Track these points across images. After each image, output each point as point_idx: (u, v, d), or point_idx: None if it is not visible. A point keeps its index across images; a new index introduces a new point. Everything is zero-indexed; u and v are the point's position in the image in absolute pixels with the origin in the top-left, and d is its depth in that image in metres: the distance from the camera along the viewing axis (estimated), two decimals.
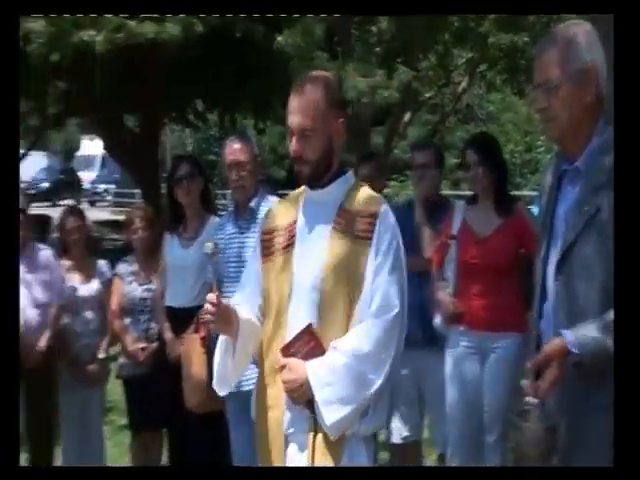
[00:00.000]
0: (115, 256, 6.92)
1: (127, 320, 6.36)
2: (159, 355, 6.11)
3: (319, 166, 3.41)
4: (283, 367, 3.33)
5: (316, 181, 3.46)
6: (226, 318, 3.35)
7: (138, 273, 6.43)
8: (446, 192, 10.55)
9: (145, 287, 6.37)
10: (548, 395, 3.00)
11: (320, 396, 3.28)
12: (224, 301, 3.39)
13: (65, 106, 17.60)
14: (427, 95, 15.48)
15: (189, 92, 16.61)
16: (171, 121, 19.34)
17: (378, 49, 13.88)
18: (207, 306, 3.29)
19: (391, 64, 13.98)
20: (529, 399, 2.99)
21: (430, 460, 6.31)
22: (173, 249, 5.97)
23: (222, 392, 3.56)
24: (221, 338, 3.47)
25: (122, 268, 6.51)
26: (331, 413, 3.27)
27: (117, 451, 7.18)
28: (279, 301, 3.42)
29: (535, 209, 5.26)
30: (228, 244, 5.28)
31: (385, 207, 3.51)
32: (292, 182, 4.00)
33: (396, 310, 3.38)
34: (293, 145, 3.40)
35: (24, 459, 6.30)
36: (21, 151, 24.44)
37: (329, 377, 3.29)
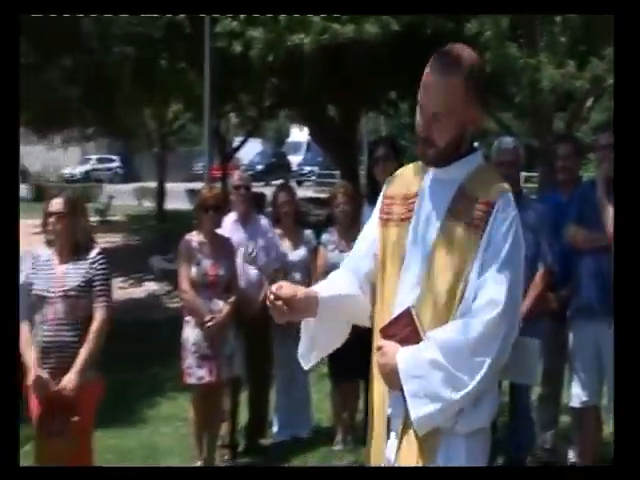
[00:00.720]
0: (319, 228, 7.18)
1: None
2: None
3: (445, 151, 3.00)
4: (379, 348, 3.04)
5: (439, 163, 3.05)
6: (297, 308, 3.03)
7: (339, 242, 6.61)
8: None
9: (345, 254, 6.52)
10: None
11: (407, 387, 2.93)
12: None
13: (277, 100, 18.32)
14: (610, 81, 15.19)
15: (384, 84, 16.53)
16: (367, 110, 19.77)
17: (563, 39, 13.70)
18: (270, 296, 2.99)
19: (580, 53, 13.73)
20: None
21: (607, 427, 5.89)
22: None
23: (305, 365, 3.34)
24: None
25: (325, 238, 6.75)
26: (417, 407, 2.91)
27: (319, 397, 7.39)
28: (388, 273, 3.09)
29: None
30: None
31: (506, 197, 3.01)
32: None
33: (500, 309, 2.90)
34: (422, 125, 2.99)
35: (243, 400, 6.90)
36: (240, 138, 25.57)
37: (418, 370, 2.92)
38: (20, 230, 4.70)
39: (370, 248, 3.20)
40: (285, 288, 3.01)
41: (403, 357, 2.93)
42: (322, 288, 3.18)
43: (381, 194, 3.25)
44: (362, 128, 20.03)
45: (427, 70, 2.98)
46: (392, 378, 2.97)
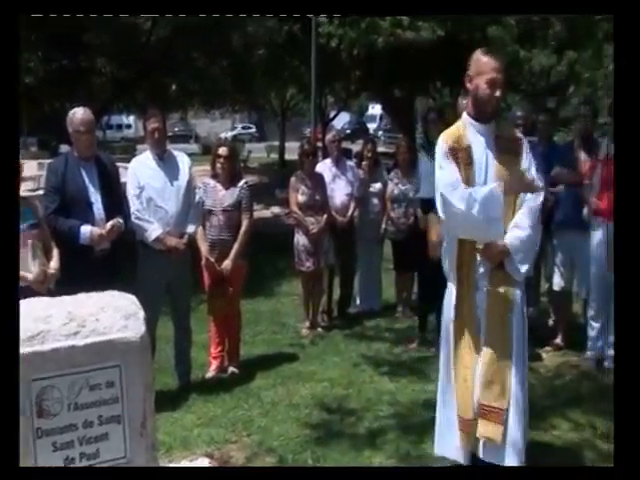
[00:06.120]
0: (388, 170, 6.97)
1: (395, 206, 6.52)
2: (413, 226, 6.08)
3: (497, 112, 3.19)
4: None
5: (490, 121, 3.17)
6: None
7: (401, 179, 6.53)
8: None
9: (406, 187, 6.45)
10: None
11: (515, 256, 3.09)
12: None
13: (359, 84, 17.99)
14: (585, 75, 14.56)
15: (431, 74, 15.87)
16: (420, 93, 19.22)
17: (553, 43, 13.10)
18: None
19: (562, 48, 13.10)
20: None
21: (575, 306, 5.94)
22: (424, 163, 5.63)
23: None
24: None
25: (393, 175, 6.64)
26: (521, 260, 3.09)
27: (387, 282, 7.05)
28: None
29: None
30: None
31: (521, 135, 3.32)
32: None
33: (542, 196, 3.20)
34: (496, 95, 3.06)
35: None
36: (334, 112, 25.42)
37: (520, 244, 3.10)
38: (194, 172, 4.87)
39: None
40: None
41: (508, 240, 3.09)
42: None
43: (445, 148, 3.17)
44: (417, 105, 19.69)
45: (495, 57, 3.09)
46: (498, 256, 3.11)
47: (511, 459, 3.10)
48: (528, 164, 3.23)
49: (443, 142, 3.19)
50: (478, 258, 3.16)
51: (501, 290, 3.15)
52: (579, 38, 12.42)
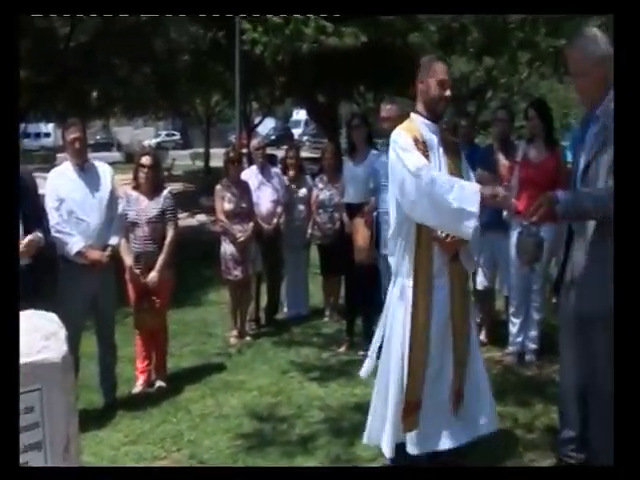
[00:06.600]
0: (313, 176, 7.05)
1: (321, 211, 6.53)
2: (339, 231, 6.09)
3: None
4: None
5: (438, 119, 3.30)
6: None
7: (326, 184, 6.50)
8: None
9: (332, 192, 6.44)
10: (538, 222, 2.91)
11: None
12: None
13: (284, 90, 17.95)
14: (502, 80, 15.08)
15: (355, 80, 15.91)
16: (344, 98, 19.36)
17: (472, 49, 13.45)
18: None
19: (480, 54, 13.52)
20: (526, 223, 2.98)
21: (498, 303, 6.09)
22: (349, 168, 5.88)
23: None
24: None
25: (318, 181, 6.64)
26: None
27: (314, 287, 7.15)
28: None
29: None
30: (381, 165, 4.93)
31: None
32: None
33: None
34: (447, 95, 3.24)
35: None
36: (259, 118, 25.36)
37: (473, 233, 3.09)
38: (116, 182, 4.75)
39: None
40: None
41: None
42: None
43: (409, 137, 3.18)
44: (341, 110, 19.92)
45: (446, 69, 3.28)
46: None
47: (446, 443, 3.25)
48: (466, 166, 3.39)
49: (405, 132, 3.23)
50: (435, 249, 3.19)
51: (458, 282, 3.25)
52: (495, 45, 12.77)
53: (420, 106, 3.31)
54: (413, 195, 3.05)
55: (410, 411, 3.21)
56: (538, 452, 3.67)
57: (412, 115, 3.33)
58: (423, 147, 3.18)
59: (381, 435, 3.31)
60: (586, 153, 2.97)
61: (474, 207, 2.98)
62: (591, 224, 2.94)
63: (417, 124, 3.27)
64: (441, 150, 3.26)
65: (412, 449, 3.24)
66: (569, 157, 4.32)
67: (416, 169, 3.05)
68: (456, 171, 3.26)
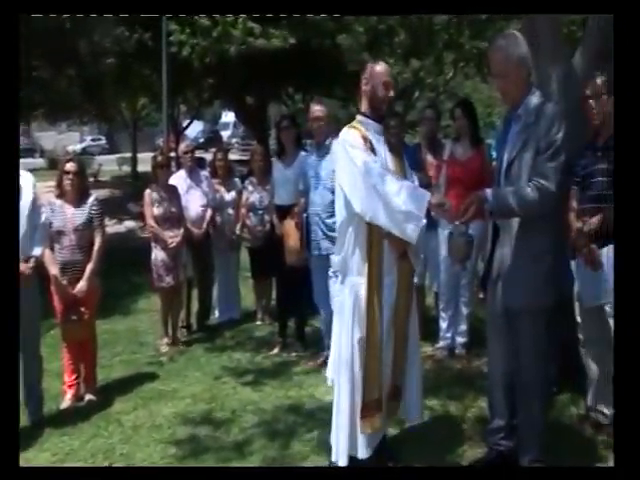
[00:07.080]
0: (242, 178, 7.03)
1: (251, 214, 6.49)
2: (270, 233, 6.10)
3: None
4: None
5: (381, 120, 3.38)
6: None
7: (256, 187, 6.48)
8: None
9: (262, 194, 6.43)
10: (468, 221, 3.02)
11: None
12: None
13: (212, 92, 17.58)
14: (429, 80, 15.31)
15: (284, 82, 16.14)
16: (272, 99, 19.35)
17: (399, 51, 13.64)
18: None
19: (406, 56, 13.75)
20: (457, 223, 3.07)
21: (428, 299, 6.17)
22: (278, 170, 5.85)
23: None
24: None
25: (247, 183, 6.58)
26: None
27: (245, 291, 7.12)
28: None
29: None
30: (310, 166, 5.12)
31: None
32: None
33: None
34: (390, 95, 3.36)
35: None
36: (187, 121, 24.90)
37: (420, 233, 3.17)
38: (39, 190, 4.51)
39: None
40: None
41: None
42: None
43: (358, 135, 3.25)
44: (269, 111, 19.88)
45: (389, 71, 3.43)
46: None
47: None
48: (407, 166, 3.47)
49: (354, 131, 3.28)
50: (385, 247, 3.22)
51: (405, 278, 3.31)
52: (421, 46, 13.01)
53: (365, 107, 3.36)
54: (363, 191, 3.09)
55: (370, 410, 3.23)
56: (470, 442, 3.77)
57: (358, 116, 3.38)
58: (370, 146, 3.24)
59: (335, 443, 3.29)
60: (509, 151, 3.05)
61: (421, 212, 3.04)
62: (515, 221, 3.04)
63: (363, 125, 3.33)
64: (386, 150, 3.34)
65: (363, 452, 3.24)
66: (494, 155, 4.45)
67: (365, 166, 3.10)
68: (400, 171, 3.34)
